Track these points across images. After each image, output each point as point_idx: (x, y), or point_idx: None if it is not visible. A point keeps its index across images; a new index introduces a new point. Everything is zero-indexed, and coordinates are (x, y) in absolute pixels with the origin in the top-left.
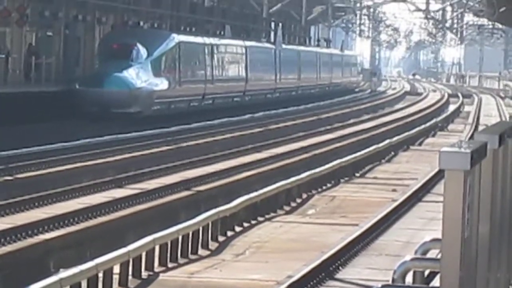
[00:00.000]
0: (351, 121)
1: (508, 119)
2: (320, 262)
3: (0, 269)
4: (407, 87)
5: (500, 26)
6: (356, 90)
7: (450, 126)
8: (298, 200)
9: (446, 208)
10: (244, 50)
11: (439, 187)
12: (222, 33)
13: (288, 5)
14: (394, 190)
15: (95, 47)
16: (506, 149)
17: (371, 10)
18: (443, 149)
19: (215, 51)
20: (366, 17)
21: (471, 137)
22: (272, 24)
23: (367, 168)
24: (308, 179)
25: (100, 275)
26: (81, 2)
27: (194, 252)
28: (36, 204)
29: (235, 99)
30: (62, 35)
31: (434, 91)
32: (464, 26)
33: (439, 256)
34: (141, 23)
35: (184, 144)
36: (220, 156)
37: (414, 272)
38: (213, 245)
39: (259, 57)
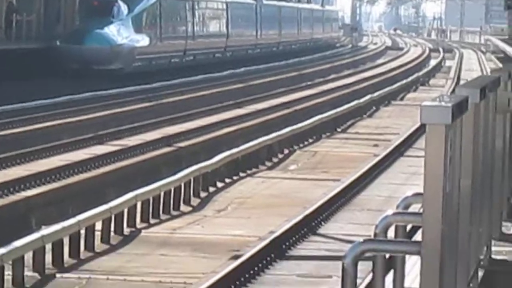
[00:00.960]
0: (332, 76)
1: (489, 73)
2: (302, 217)
3: None
4: (389, 42)
5: None
6: (337, 45)
7: (432, 81)
8: (280, 156)
9: (428, 163)
10: (225, 6)
11: (421, 142)
12: None
13: None
14: (375, 145)
15: (76, 4)
16: (488, 103)
17: None
18: (424, 103)
19: (196, 7)
20: None
21: (453, 91)
22: None
23: (348, 123)
24: (290, 135)
25: (82, 231)
26: None
27: (176, 208)
28: (17, 161)
29: (216, 55)
30: None
31: (415, 46)
32: None
33: (421, 211)
34: None
35: (165, 101)
36: (201, 112)
37: (396, 227)
38: (195, 201)
39: (240, 13)
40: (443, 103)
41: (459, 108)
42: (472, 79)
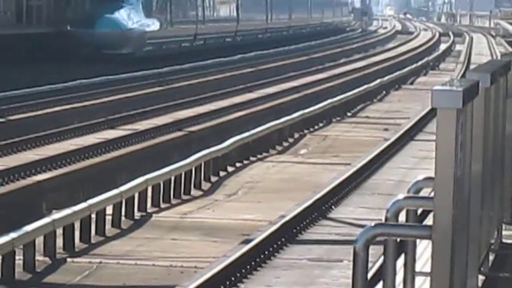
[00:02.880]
0: (343, 60)
1: (499, 57)
2: (312, 201)
3: None
4: (398, 27)
5: None
6: (347, 29)
7: (442, 65)
8: (290, 140)
9: (439, 147)
10: None
11: (431, 126)
12: None
13: None
14: (386, 129)
15: None
16: (498, 87)
17: None
18: (435, 87)
19: None
20: None
21: (463, 75)
22: None
23: (358, 107)
24: (300, 119)
25: (93, 216)
26: None
27: (187, 192)
28: (29, 145)
29: (227, 39)
30: None
31: (425, 30)
32: None
33: (432, 195)
34: None
35: (176, 85)
36: (212, 97)
37: (407, 211)
38: (205, 186)
39: None
40: (454, 88)
41: (470, 92)
42: (483, 63)
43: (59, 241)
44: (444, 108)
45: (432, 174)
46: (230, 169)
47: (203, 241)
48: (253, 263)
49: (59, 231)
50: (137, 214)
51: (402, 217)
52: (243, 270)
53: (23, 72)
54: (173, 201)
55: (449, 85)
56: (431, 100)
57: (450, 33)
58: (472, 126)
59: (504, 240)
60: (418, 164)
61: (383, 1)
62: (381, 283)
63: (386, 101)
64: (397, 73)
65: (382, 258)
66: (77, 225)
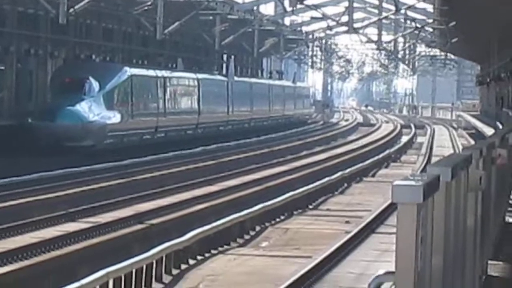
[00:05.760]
0: (304, 153)
1: (461, 150)
2: None
3: None
4: (360, 119)
5: (452, 56)
6: (309, 121)
7: (403, 157)
8: (252, 233)
9: (399, 242)
10: (196, 83)
11: (393, 219)
12: (174, 65)
13: (240, 38)
14: (347, 222)
15: (47, 81)
16: (459, 181)
17: (323, 41)
18: (395, 182)
19: (168, 84)
20: (318, 48)
21: (424, 168)
22: (224, 57)
23: (320, 200)
24: (261, 212)
25: None
26: (33, 36)
27: (148, 285)
28: None
29: (188, 131)
30: (14, 69)
31: (387, 122)
32: (417, 57)
33: None
34: (93, 57)
35: (137, 177)
36: (173, 189)
37: None
38: (166, 279)
39: (211, 89)
40: (414, 182)
41: (431, 187)
42: (444, 157)
43: None
44: (404, 203)
45: (393, 268)
46: (191, 262)
47: None
48: None
49: None
50: None
51: None
52: None
53: None
54: None
55: (409, 179)
56: (392, 195)
57: (412, 125)
58: (433, 220)
59: None
60: (379, 257)
61: (345, 93)
62: None
63: (347, 193)
64: (359, 165)
65: None
66: None
